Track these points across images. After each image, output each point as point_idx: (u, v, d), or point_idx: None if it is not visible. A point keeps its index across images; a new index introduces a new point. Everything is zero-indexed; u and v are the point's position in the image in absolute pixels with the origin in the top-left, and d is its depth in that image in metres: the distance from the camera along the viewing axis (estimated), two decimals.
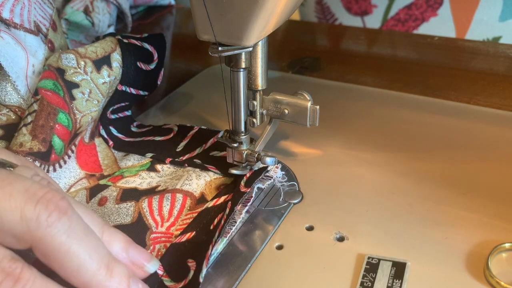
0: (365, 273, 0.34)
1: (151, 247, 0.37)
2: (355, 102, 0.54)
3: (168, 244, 0.37)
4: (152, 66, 0.50)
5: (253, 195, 0.40)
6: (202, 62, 0.67)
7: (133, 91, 0.49)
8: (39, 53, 0.45)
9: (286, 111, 0.41)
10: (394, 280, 0.33)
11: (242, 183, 0.41)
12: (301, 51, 0.67)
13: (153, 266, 0.31)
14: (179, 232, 0.38)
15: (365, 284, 0.33)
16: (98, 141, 0.48)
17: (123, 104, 0.50)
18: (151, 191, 0.42)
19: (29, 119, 0.40)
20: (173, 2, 0.86)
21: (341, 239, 0.37)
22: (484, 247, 0.35)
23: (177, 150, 0.47)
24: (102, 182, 0.44)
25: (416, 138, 0.47)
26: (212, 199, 0.41)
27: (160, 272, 0.34)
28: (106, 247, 0.27)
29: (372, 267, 0.34)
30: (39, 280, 0.24)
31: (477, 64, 0.60)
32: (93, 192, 0.43)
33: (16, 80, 0.42)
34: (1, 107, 0.43)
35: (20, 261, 0.24)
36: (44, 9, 0.47)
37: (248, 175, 0.41)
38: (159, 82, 0.51)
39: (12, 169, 0.27)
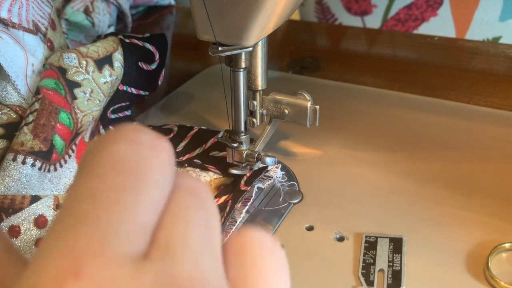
0: (365, 251, 0.35)
1: None
2: (355, 102, 0.54)
3: None
4: (153, 66, 0.50)
5: (253, 194, 0.40)
6: (202, 62, 0.67)
7: (134, 91, 0.49)
8: (38, 52, 0.45)
9: (286, 111, 0.42)
10: (394, 255, 0.34)
11: (242, 182, 0.41)
12: (301, 51, 0.67)
13: None
14: None
15: (367, 261, 0.34)
16: None
17: (123, 104, 0.50)
18: None
19: (31, 118, 0.40)
20: (173, 2, 0.86)
21: (341, 239, 0.37)
22: (484, 247, 0.35)
23: (177, 150, 0.47)
24: None
25: (416, 138, 0.47)
26: None
27: None
28: None
29: (370, 245, 0.35)
30: None
31: (477, 64, 0.60)
32: None
33: (16, 80, 0.42)
34: (2, 107, 0.43)
35: None
36: (42, 8, 0.47)
37: (248, 175, 0.41)
38: (160, 82, 0.51)
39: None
